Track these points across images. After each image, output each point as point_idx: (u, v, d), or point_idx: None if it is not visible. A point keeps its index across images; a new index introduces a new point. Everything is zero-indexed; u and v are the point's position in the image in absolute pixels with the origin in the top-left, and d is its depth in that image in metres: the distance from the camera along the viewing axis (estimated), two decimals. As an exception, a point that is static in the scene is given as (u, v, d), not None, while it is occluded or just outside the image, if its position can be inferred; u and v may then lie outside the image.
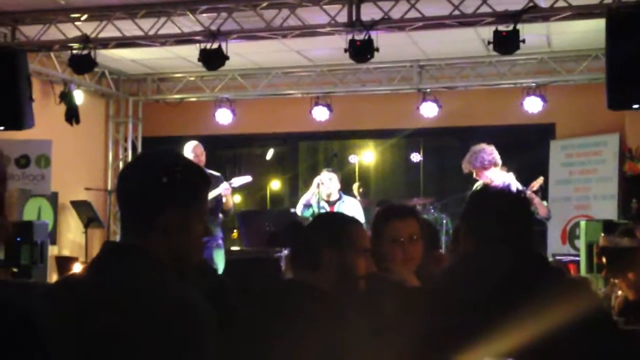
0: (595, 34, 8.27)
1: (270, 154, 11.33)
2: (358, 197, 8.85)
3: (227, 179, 7.73)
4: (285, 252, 7.83)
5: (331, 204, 7.77)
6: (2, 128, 7.96)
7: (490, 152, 6.77)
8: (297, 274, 2.58)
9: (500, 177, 6.66)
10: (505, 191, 2.44)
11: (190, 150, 7.55)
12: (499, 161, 6.82)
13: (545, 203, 7.20)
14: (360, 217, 7.69)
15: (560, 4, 6.85)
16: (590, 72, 9.12)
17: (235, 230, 9.57)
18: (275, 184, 11.59)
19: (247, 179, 7.82)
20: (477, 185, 6.94)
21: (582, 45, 8.91)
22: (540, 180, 7.21)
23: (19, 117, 7.71)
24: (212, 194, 7.32)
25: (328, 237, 2.55)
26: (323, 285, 2.48)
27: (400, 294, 2.69)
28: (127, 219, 1.82)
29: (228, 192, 7.55)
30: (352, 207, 7.78)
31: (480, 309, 2.10)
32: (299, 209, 7.81)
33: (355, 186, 9.42)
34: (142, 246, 1.74)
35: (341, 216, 2.90)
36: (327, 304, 2.40)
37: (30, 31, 8.19)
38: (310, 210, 7.67)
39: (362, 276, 2.55)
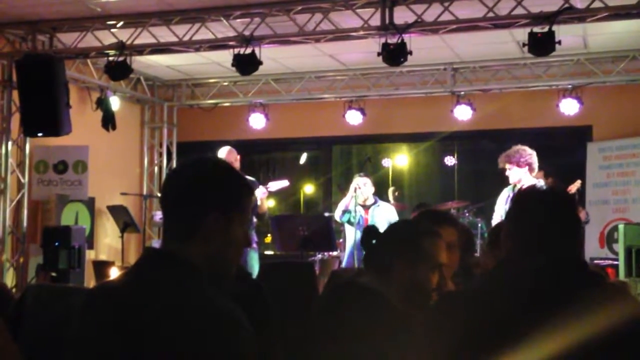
0: (633, 34, 8.17)
1: (303, 158, 11.37)
2: (392, 201, 8.82)
3: (261, 183, 7.74)
4: (319, 256, 7.87)
5: (366, 208, 7.76)
6: (40, 134, 8.09)
7: (530, 153, 6.75)
8: (368, 279, 2.54)
9: (530, 180, 6.61)
10: (549, 193, 2.38)
11: (224, 156, 7.53)
12: (535, 166, 6.76)
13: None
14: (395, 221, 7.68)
15: (597, 4, 6.76)
16: (628, 73, 8.99)
17: (268, 235, 9.61)
18: (308, 188, 11.61)
19: (284, 183, 7.77)
20: (510, 186, 6.91)
21: (619, 46, 8.79)
22: (578, 184, 7.14)
23: (56, 124, 7.83)
24: None
25: (401, 249, 2.50)
26: (392, 294, 2.44)
27: (437, 298, 2.67)
28: (169, 224, 1.83)
29: (264, 195, 7.52)
30: (387, 212, 7.76)
31: (515, 316, 2.08)
32: (337, 215, 7.81)
33: (390, 190, 9.41)
34: (182, 253, 1.76)
35: (417, 227, 2.74)
36: (385, 310, 2.37)
37: (68, 39, 8.32)
38: (348, 216, 7.67)
39: (433, 290, 2.49)
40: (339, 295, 2.53)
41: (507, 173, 6.77)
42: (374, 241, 2.57)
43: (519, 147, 6.83)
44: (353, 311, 2.36)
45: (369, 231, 2.62)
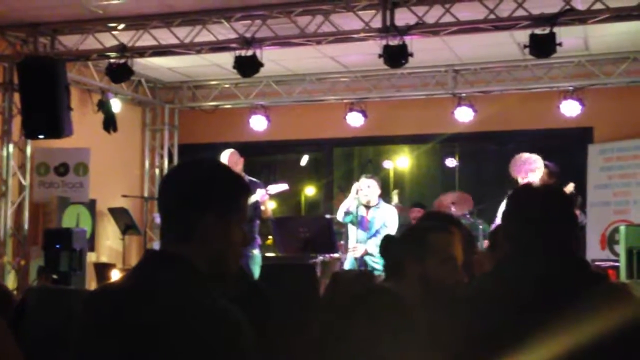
0: (634, 36, 8.17)
1: (304, 160, 11.37)
2: (397, 203, 8.82)
3: (262, 186, 7.75)
4: (321, 258, 7.86)
5: (367, 208, 7.75)
6: (41, 136, 8.09)
7: (537, 158, 6.85)
8: (388, 284, 2.59)
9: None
10: (544, 191, 2.37)
11: (227, 158, 7.56)
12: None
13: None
14: (394, 223, 7.67)
15: (598, 6, 6.76)
16: (629, 74, 8.99)
17: (269, 237, 9.60)
18: (310, 190, 11.62)
19: (283, 186, 7.80)
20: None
21: (620, 47, 8.79)
22: (570, 187, 7.15)
23: (58, 126, 7.83)
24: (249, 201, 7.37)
25: (408, 248, 2.53)
26: (409, 295, 2.46)
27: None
28: (167, 226, 1.83)
29: (265, 199, 7.55)
30: (386, 213, 7.75)
31: (516, 316, 2.07)
32: (339, 216, 7.81)
33: (395, 193, 9.43)
34: (182, 254, 1.76)
35: (425, 225, 2.83)
36: (399, 310, 2.38)
37: (69, 41, 8.33)
38: (350, 217, 7.66)
39: (448, 285, 2.52)
40: (358, 300, 2.56)
41: (530, 181, 6.78)
42: (390, 249, 2.64)
43: (529, 154, 6.89)
44: (369, 313, 2.40)
45: (386, 242, 2.68)
